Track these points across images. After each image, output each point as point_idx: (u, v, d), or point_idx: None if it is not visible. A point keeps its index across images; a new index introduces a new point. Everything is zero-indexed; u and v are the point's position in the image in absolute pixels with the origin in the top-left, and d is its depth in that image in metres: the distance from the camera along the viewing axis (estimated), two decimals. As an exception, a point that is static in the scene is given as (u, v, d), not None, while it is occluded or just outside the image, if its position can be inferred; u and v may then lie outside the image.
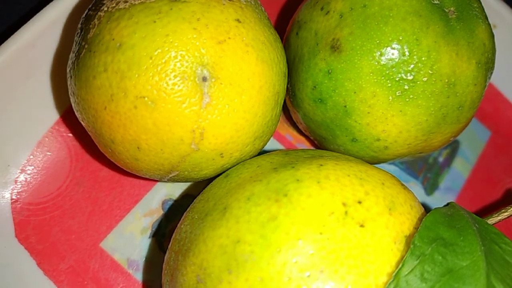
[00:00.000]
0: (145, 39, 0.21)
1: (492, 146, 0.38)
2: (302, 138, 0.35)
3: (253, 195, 0.22)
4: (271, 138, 0.34)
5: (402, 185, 0.24)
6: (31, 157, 0.30)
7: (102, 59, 0.22)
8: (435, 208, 0.22)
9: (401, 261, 0.20)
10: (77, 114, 0.25)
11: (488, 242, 0.21)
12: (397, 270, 0.19)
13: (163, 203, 0.31)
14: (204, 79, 0.22)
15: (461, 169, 0.37)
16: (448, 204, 0.24)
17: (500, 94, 0.39)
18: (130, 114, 0.22)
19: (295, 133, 0.35)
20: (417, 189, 0.35)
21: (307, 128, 0.30)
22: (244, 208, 0.21)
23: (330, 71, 0.26)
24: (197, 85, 0.22)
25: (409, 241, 0.21)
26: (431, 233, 0.21)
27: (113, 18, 0.22)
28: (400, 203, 0.22)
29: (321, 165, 0.23)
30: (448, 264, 0.20)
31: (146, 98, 0.22)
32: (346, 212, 0.21)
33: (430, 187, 0.36)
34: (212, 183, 0.25)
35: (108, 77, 0.22)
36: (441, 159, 0.37)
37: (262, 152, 0.28)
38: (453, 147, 0.37)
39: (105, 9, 0.23)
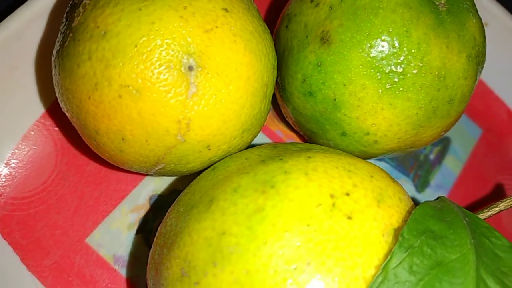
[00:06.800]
0: (130, 27, 0.21)
1: (483, 144, 0.38)
2: (292, 134, 0.34)
3: (239, 187, 0.21)
4: (261, 134, 0.34)
5: (391, 178, 0.23)
6: (16, 150, 0.29)
7: (87, 47, 0.22)
8: (425, 201, 0.22)
9: (390, 254, 0.19)
10: (62, 105, 0.25)
11: (478, 236, 0.21)
12: (385, 262, 0.19)
13: (150, 198, 0.31)
14: (190, 68, 0.22)
15: (452, 166, 0.37)
16: (438, 198, 0.24)
17: (491, 92, 0.39)
18: (115, 103, 0.22)
19: (285, 128, 0.34)
20: (408, 186, 0.35)
21: (296, 122, 0.29)
22: (230, 200, 0.21)
23: (319, 64, 0.25)
24: (183, 74, 0.22)
25: (398, 234, 0.20)
26: (420, 225, 0.20)
27: (98, 5, 0.22)
28: (389, 196, 0.22)
29: (309, 157, 0.22)
30: (437, 257, 0.20)
31: (130, 87, 0.21)
32: (333, 204, 0.20)
33: (421, 185, 0.36)
34: (199, 176, 0.25)
35: (93, 66, 0.21)
36: (432, 157, 0.36)
37: (250, 147, 0.27)
38: (444, 144, 0.37)
39: (91, -3, 0.23)
